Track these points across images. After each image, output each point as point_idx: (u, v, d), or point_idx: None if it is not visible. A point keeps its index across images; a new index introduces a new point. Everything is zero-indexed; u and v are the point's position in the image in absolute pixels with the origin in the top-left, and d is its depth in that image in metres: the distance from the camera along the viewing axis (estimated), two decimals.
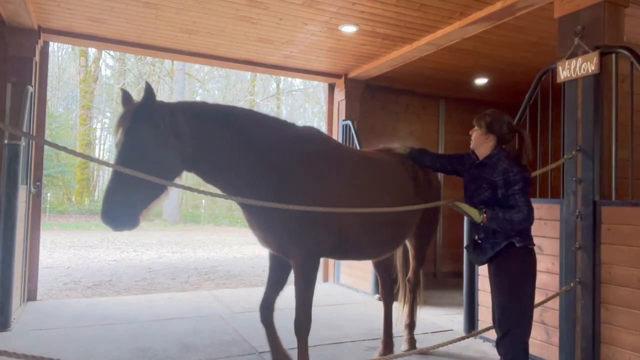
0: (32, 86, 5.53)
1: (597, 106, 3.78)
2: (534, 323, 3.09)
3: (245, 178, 3.09)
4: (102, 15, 5.43)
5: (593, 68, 3.74)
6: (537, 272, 3.12)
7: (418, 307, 4.55)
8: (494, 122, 3.09)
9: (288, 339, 3.73)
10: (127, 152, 2.70)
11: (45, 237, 13.57)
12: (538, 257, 3.14)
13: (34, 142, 5.79)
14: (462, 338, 3.75)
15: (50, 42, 6.41)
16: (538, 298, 3.46)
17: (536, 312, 3.38)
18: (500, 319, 2.99)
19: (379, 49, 6.36)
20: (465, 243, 5.09)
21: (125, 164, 2.65)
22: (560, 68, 4.01)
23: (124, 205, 2.66)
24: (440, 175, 5.95)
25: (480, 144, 3.15)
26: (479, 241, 3.17)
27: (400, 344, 4.36)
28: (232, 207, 23.45)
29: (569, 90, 3.99)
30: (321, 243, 3.25)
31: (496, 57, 6.65)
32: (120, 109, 2.89)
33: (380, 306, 4.40)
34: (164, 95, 25.05)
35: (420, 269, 4.45)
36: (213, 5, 5.09)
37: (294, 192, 3.11)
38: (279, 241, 3.24)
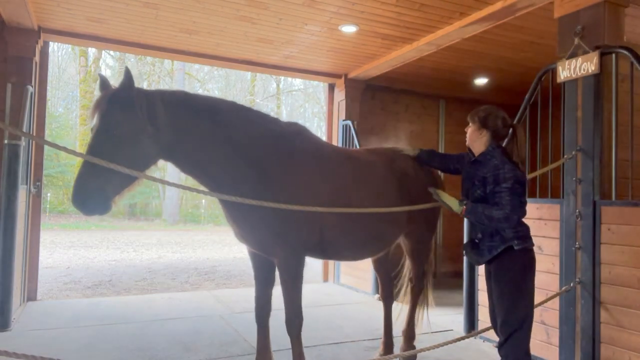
0: (32, 86, 5.53)
1: (597, 106, 3.78)
2: (534, 323, 3.08)
3: (225, 172, 3.04)
4: (102, 15, 5.43)
5: (593, 68, 3.74)
6: (537, 272, 3.11)
7: (421, 315, 4.29)
8: (487, 117, 3.06)
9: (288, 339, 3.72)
10: (102, 138, 2.68)
11: (45, 237, 13.57)
12: (538, 257, 3.12)
13: (34, 142, 5.79)
14: (462, 338, 3.75)
15: (50, 42, 6.41)
16: (538, 298, 3.46)
17: (536, 312, 3.38)
18: (503, 323, 2.93)
19: (379, 49, 6.36)
20: (465, 243, 5.09)
21: (99, 149, 2.63)
22: (560, 68, 4.01)
23: (95, 190, 2.64)
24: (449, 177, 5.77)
25: (475, 139, 3.12)
26: (477, 241, 3.11)
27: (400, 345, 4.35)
28: None
29: (569, 90, 3.99)
30: (303, 240, 3.20)
31: (496, 57, 6.64)
32: (98, 94, 2.87)
33: (380, 306, 4.40)
34: None
35: (421, 274, 4.16)
36: (213, 5, 5.09)
37: (273, 189, 3.07)
38: (258, 238, 3.19)
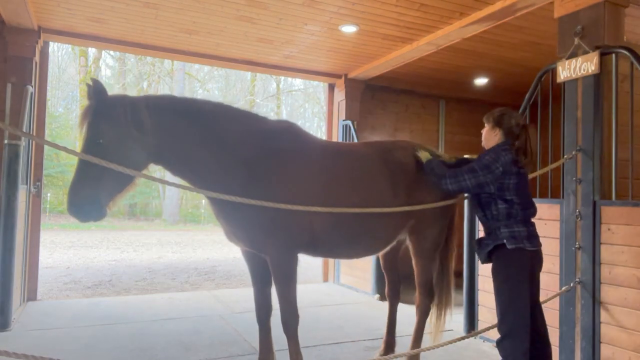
0: (32, 86, 5.53)
1: (597, 106, 3.78)
2: None
3: (213, 172, 3.07)
4: (102, 15, 5.43)
5: (593, 68, 3.74)
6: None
7: (439, 326, 3.94)
8: (501, 117, 3.14)
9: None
10: (90, 147, 2.77)
11: (45, 237, 13.57)
12: None
13: (34, 142, 5.79)
14: (462, 338, 3.74)
15: (50, 42, 6.41)
16: None
17: None
18: (499, 321, 3.01)
19: (379, 49, 6.36)
20: (465, 243, 5.09)
21: (88, 160, 2.71)
22: (560, 68, 4.01)
23: (89, 197, 2.73)
24: None
25: (489, 139, 3.18)
26: (482, 239, 3.22)
27: (402, 344, 4.34)
28: None
29: (569, 90, 3.99)
30: (294, 238, 3.19)
31: (496, 57, 6.65)
32: (86, 101, 2.96)
33: (380, 306, 4.39)
34: None
35: (429, 280, 3.81)
36: (213, 5, 5.09)
37: (261, 187, 3.08)
38: (248, 236, 3.20)
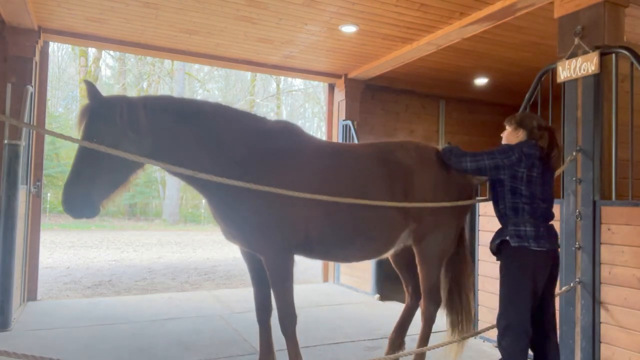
0: (32, 86, 5.53)
1: (597, 106, 3.78)
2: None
3: (210, 172, 3.05)
4: (102, 15, 5.43)
5: (593, 68, 3.74)
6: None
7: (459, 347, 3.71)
8: (524, 118, 3.15)
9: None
10: (86, 148, 2.80)
11: (45, 237, 13.57)
12: None
13: (34, 142, 5.79)
14: (462, 338, 3.74)
15: (50, 42, 6.41)
16: None
17: None
18: (498, 316, 3.02)
19: (379, 49, 6.36)
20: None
21: (85, 157, 2.79)
22: (560, 68, 4.01)
23: (83, 195, 2.78)
24: None
25: (510, 140, 3.15)
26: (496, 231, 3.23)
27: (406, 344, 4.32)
28: None
29: (569, 90, 3.99)
30: (288, 239, 3.17)
31: (496, 57, 6.65)
32: (85, 102, 3.00)
33: (380, 306, 4.38)
34: None
35: (433, 286, 3.63)
36: (213, 5, 5.09)
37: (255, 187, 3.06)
38: (244, 236, 3.20)
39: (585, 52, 3.83)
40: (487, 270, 4.63)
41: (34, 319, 5.22)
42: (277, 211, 3.07)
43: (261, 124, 3.32)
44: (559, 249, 3.13)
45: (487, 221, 4.68)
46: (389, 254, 3.77)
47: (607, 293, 3.56)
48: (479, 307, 4.77)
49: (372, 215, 3.34)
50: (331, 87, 8.02)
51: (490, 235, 4.58)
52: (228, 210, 3.14)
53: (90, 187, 2.79)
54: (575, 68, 3.87)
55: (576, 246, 3.77)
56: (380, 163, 3.48)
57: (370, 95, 8.15)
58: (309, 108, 33.39)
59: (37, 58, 5.82)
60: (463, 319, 3.78)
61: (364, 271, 6.84)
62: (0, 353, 2.39)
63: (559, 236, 3.13)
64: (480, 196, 4.86)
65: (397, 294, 6.67)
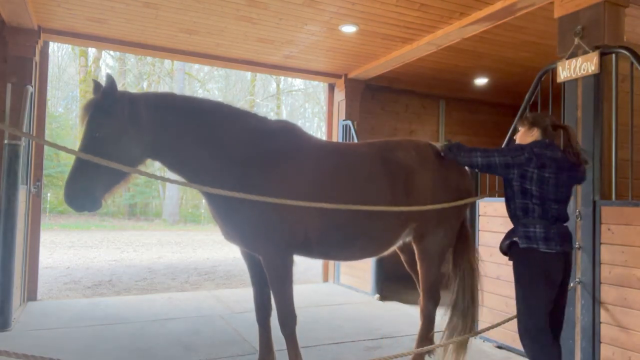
0: (32, 86, 5.53)
1: (597, 106, 3.78)
2: None
3: (210, 170, 3.10)
4: (102, 16, 5.43)
5: (593, 68, 3.74)
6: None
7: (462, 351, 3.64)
8: (537, 116, 3.10)
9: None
10: (88, 140, 2.85)
11: (45, 237, 13.57)
12: None
13: (34, 142, 5.79)
14: (463, 338, 3.73)
15: (50, 42, 6.41)
16: None
17: None
18: (517, 320, 2.96)
19: (379, 49, 6.36)
20: None
21: (88, 152, 2.80)
22: (560, 68, 4.01)
23: (85, 188, 2.82)
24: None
25: (525, 140, 3.11)
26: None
27: (402, 344, 4.33)
28: None
29: (569, 90, 3.99)
30: (287, 239, 3.17)
31: (496, 57, 6.65)
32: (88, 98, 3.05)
33: (380, 306, 4.38)
34: None
35: (433, 283, 3.62)
36: (213, 5, 5.09)
37: (254, 187, 3.07)
38: (242, 236, 3.20)
39: (585, 52, 3.83)
40: (487, 270, 4.62)
41: (34, 319, 5.22)
42: (276, 212, 3.07)
43: (262, 123, 3.32)
44: (571, 251, 3.02)
45: (487, 221, 4.68)
46: (388, 252, 3.76)
47: (607, 293, 3.56)
48: (479, 307, 4.77)
49: (374, 216, 3.34)
50: (331, 87, 8.02)
51: (490, 235, 4.62)
52: (227, 210, 3.14)
53: (92, 181, 2.82)
54: (575, 68, 3.87)
55: (576, 246, 3.77)
56: (381, 162, 3.47)
57: (370, 95, 8.15)
58: (309, 108, 33.39)
59: (37, 58, 5.82)
60: (467, 322, 3.70)
61: (364, 271, 6.84)
62: (0, 353, 2.39)
63: (572, 238, 3.01)
64: (480, 194, 4.86)
65: (397, 294, 6.68)
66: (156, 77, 25.70)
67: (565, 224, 2.98)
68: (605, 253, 3.59)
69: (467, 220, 3.92)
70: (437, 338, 3.86)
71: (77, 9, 5.26)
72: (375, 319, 5.48)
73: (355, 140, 7.17)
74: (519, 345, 4.18)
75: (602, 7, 3.75)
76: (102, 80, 3.02)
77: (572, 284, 3.77)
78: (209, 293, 6.89)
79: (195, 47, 6.50)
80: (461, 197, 3.59)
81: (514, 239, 2.97)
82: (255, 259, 3.44)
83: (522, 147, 3.00)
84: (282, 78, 27.82)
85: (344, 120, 7.59)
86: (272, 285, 3.22)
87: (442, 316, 3.74)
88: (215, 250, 13.18)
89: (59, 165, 23.25)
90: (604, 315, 3.57)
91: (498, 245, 3.19)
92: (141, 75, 25.42)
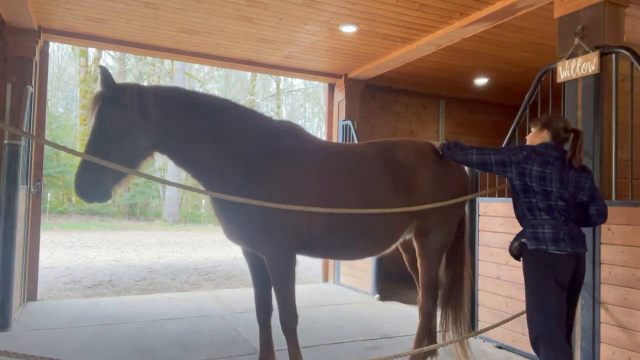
0: (32, 86, 5.53)
1: (597, 106, 3.78)
2: None
3: (214, 166, 3.12)
4: (102, 16, 5.43)
5: (593, 68, 3.74)
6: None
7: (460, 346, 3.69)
8: (549, 119, 3.07)
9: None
10: (98, 131, 2.91)
11: (45, 237, 13.57)
12: None
13: (34, 142, 5.79)
14: (462, 338, 3.74)
15: (50, 42, 6.41)
16: None
17: None
18: (528, 324, 2.89)
19: (379, 49, 6.36)
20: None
21: (96, 143, 2.88)
22: (560, 68, 4.01)
23: (95, 180, 2.86)
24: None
25: (534, 141, 3.09)
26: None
27: (402, 344, 4.33)
28: None
29: (569, 90, 3.99)
30: (291, 239, 3.18)
31: (496, 57, 6.65)
32: (98, 88, 3.09)
33: (380, 306, 4.38)
34: None
35: (432, 282, 3.66)
36: (213, 5, 5.09)
37: (258, 186, 3.09)
38: (245, 235, 3.21)
39: (585, 52, 3.83)
40: (487, 270, 4.63)
41: (34, 319, 5.22)
42: (280, 211, 3.07)
43: (267, 123, 3.34)
44: (584, 253, 2.94)
45: (487, 221, 4.68)
46: (390, 250, 3.76)
47: (607, 293, 3.56)
48: (479, 307, 4.77)
49: (378, 216, 3.35)
50: (331, 87, 8.02)
51: (490, 235, 4.62)
52: (231, 209, 3.14)
53: (102, 173, 2.85)
54: (575, 68, 3.87)
55: None
56: (383, 162, 3.49)
57: (370, 95, 8.15)
58: (309, 108, 33.39)
59: (37, 58, 5.82)
60: (459, 321, 3.79)
61: (364, 271, 6.84)
62: (0, 353, 2.39)
63: (584, 240, 2.93)
64: (480, 189, 4.86)
65: (397, 294, 6.68)
66: (156, 77, 25.69)
67: (578, 226, 2.92)
68: (605, 253, 3.59)
69: (466, 219, 3.97)
70: (438, 338, 3.86)
71: (77, 9, 5.26)
72: (375, 319, 5.48)
73: (356, 141, 7.17)
74: (519, 346, 4.19)
75: (602, 7, 3.75)
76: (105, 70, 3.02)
77: None
78: (209, 293, 6.89)
79: (195, 47, 6.50)
80: (460, 196, 3.63)
81: (523, 240, 2.93)
82: (258, 258, 3.44)
83: (521, 146, 3.02)
84: (282, 78, 27.83)
85: (344, 120, 7.59)
86: (274, 284, 3.22)
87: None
88: (215, 250, 13.18)
89: (59, 165, 23.26)
90: (604, 315, 3.57)
91: (498, 245, 3.19)
92: (141, 75, 25.40)
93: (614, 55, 3.71)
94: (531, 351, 3.04)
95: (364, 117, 7.99)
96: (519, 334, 4.19)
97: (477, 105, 9.21)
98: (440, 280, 3.83)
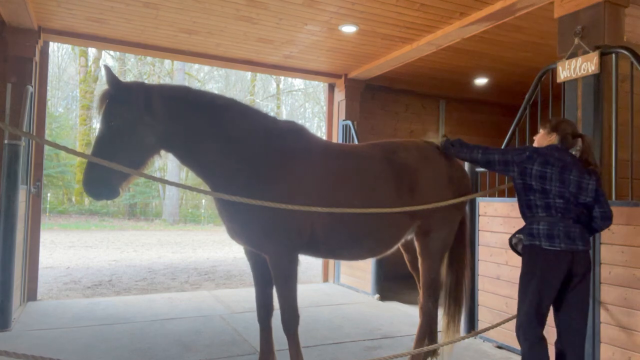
0: (32, 86, 5.53)
1: (597, 106, 3.78)
2: None
3: (218, 166, 3.13)
4: (102, 16, 5.43)
5: (593, 68, 3.74)
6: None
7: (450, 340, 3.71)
8: (559, 123, 3.10)
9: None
10: (105, 129, 2.94)
11: (45, 237, 13.57)
12: None
13: (34, 142, 5.79)
14: (462, 338, 3.74)
15: (50, 42, 6.41)
16: None
17: None
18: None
19: (379, 49, 6.36)
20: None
21: (104, 141, 2.92)
22: (560, 68, 4.01)
23: (103, 177, 2.89)
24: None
25: (542, 143, 3.12)
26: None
27: (402, 344, 4.33)
28: None
29: (569, 90, 3.99)
30: (294, 238, 3.18)
31: (496, 57, 6.65)
32: (103, 87, 3.11)
33: (380, 306, 4.38)
34: None
35: (433, 282, 3.66)
36: (213, 5, 5.09)
37: (262, 185, 3.09)
38: (248, 235, 3.21)
39: (585, 52, 3.83)
40: (487, 270, 4.63)
41: (34, 319, 5.22)
42: (284, 211, 3.08)
43: (272, 123, 3.34)
44: (583, 250, 2.91)
45: (487, 221, 4.68)
46: (392, 250, 3.76)
47: (607, 293, 3.56)
48: (479, 307, 4.77)
49: (381, 216, 3.36)
50: (331, 87, 8.02)
51: (490, 235, 4.62)
52: (235, 209, 3.14)
53: (110, 170, 2.86)
54: (575, 68, 3.87)
55: None
56: (386, 163, 3.51)
57: (370, 95, 8.15)
58: (309, 108, 33.39)
59: (37, 58, 5.82)
60: (459, 320, 3.84)
61: (364, 271, 6.84)
62: (0, 353, 2.39)
63: (583, 237, 2.91)
64: (480, 190, 4.87)
65: (397, 294, 6.68)
66: (156, 77, 25.69)
67: (577, 224, 2.91)
68: (605, 253, 3.59)
69: (467, 218, 3.98)
70: (438, 338, 3.86)
71: (77, 9, 5.26)
72: (375, 319, 5.48)
73: (356, 141, 7.17)
74: (518, 345, 4.18)
75: (602, 7, 3.75)
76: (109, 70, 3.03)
77: None
78: (209, 293, 6.89)
79: (195, 47, 6.50)
80: (461, 196, 3.64)
81: (519, 236, 3.01)
82: (259, 258, 3.44)
83: (525, 147, 3.06)
84: (282, 78, 27.84)
85: (344, 120, 7.59)
86: (276, 284, 3.22)
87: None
88: (215, 250, 13.18)
89: (59, 165, 23.27)
90: (604, 315, 3.57)
91: (498, 245, 3.21)
92: (141, 75, 25.41)
93: (614, 55, 3.71)
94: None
95: (364, 117, 7.99)
96: None
97: (477, 105, 9.21)
98: (442, 281, 3.84)
